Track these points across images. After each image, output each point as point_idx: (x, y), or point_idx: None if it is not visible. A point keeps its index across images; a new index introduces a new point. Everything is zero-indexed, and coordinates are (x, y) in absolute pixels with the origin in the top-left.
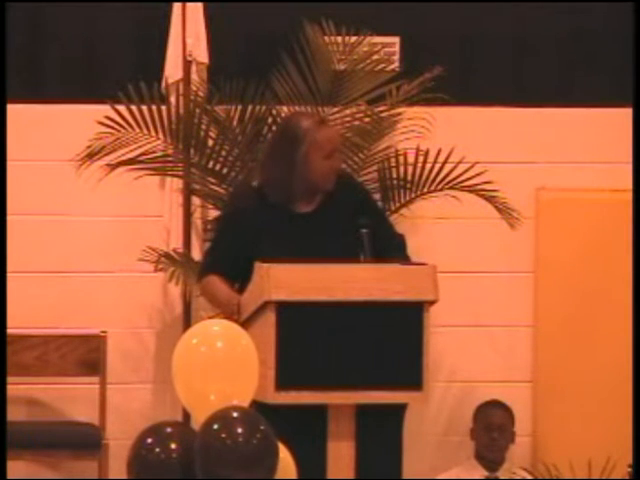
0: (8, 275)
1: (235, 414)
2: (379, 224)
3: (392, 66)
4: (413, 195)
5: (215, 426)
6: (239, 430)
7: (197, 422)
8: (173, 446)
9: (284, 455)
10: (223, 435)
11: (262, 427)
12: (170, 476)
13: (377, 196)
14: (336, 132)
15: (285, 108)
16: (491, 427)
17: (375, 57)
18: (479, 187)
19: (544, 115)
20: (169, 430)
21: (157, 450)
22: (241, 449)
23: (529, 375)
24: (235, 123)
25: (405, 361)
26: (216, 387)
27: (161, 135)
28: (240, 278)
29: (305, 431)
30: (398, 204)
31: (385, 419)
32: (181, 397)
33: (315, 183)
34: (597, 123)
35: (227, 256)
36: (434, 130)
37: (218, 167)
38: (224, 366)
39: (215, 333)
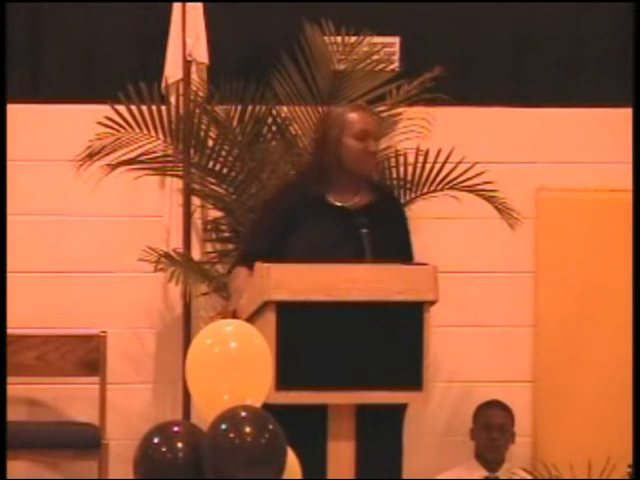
0: (8, 275)
1: (243, 414)
2: (401, 248)
3: (392, 66)
4: (413, 195)
5: (223, 426)
6: (247, 430)
7: (210, 422)
8: (180, 445)
9: (289, 456)
10: (232, 435)
11: (271, 427)
12: (177, 476)
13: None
14: (370, 115)
15: (285, 108)
16: (491, 427)
17: (375, 57)
18: (479, 187)
19: (544, 115)
20: (176, 429)
21: (164, 449)
22: (249, 449)
23: (529, 375)
24: (235, 123)
25: (405, 361)
26: (230, 387)
27: (161, 135)
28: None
29: (305, 431)
30: None
31: (385, 419)
32: (195, 397)
33: (351, 166)
34: (597, 123)
35: (263, 245)
36: (434, 130)
37: (218, 167)
38: (238, 366)
39: (229, 333)
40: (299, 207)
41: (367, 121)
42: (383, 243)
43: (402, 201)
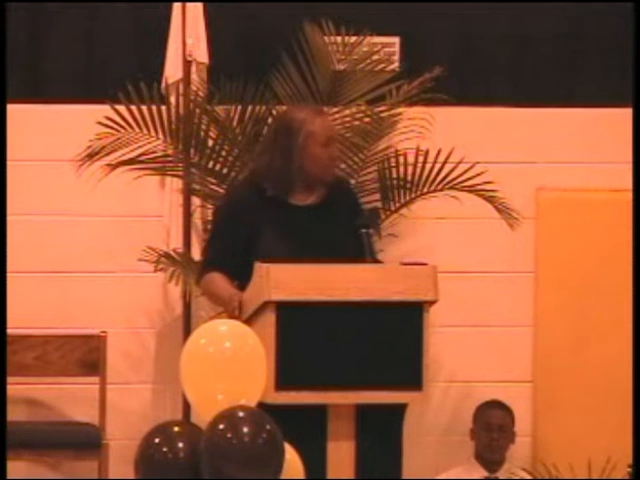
0: (8, 275)
1: (241, 414)
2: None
3: (392, 66)
4: (413, 195)
5: (221, 426)
6: (245, 430)
7: (205, 422)
8: (180, 445)
9: (292, 456)
10: (229, 435)
11: (268, 427)
12: (177, 476)
13: (377, 196)
14: (330, 120)
15: (285, 108)
16: (491, 427)
17: (375, 57)
18: (479, 187)
19: (544, 115)
20: (176, 429)
21: (164, 450)
22: (247, 449)
23: (529, 375)
24: (235, 123)
25: (405, 361)
26: (224, 387)
27: (161, 135)
28: (241, 272)
29: (305, 431)
30: (398, 204)
31: (385, 419)
32: (189, 397)
33: (314, 173)
34: (597, 123)
35: (227, 251)
36: (434, 130)
37: (218, 167)
38: (232, 366)
39: (223, 333)
40: (258, 210)
41: (330, 127)
42: (346, 231)
43: (401, 201)
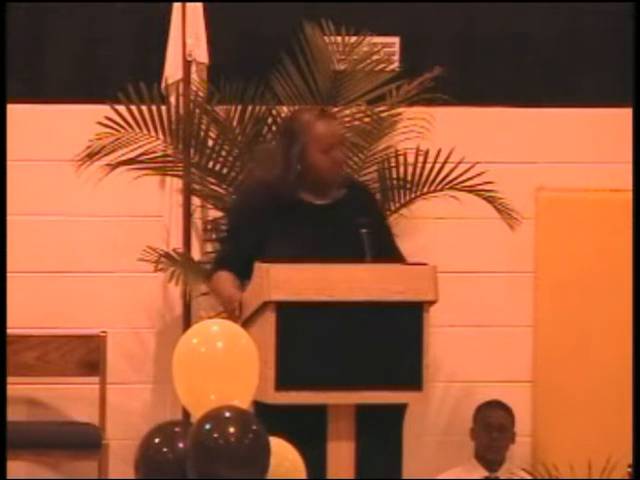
0: (8, 275)
1: (227, 414)
2: (382, 233)
3: (392, 66)
4: (413, 195)
5: (207, 426)
6: (231, 430)
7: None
8: (180, 445)
9: (293, 457)
10: (215, 435)
11: (254, 427)
12: (177, 476)
13: (377, 196)
14: (336, 125)
15: (285, 108)
16: (491, 427)
17: (375, 57)
18: (479, 187)
19: (544, 115)
20: (176, 430)
21: (164, 450)
22: (233, 449)
23: (529, 375)
24: (235, 123)
25: (405, 361)
26: (216, 387)
27: (161, 135)
28: (251, 273)
29: (305, 431)
30: (398, 204)
31: (385, 419)
32: (181, 397)
33: (318, 177)
34: (597, 123)
35: (239, 251)
36: (434, 130)
37: (218, 167)
38: (224, 366)
39: (215, 333)
40: (274, 208)
41: (332, 132)
42: (365, 233)
43: (401, 201)
